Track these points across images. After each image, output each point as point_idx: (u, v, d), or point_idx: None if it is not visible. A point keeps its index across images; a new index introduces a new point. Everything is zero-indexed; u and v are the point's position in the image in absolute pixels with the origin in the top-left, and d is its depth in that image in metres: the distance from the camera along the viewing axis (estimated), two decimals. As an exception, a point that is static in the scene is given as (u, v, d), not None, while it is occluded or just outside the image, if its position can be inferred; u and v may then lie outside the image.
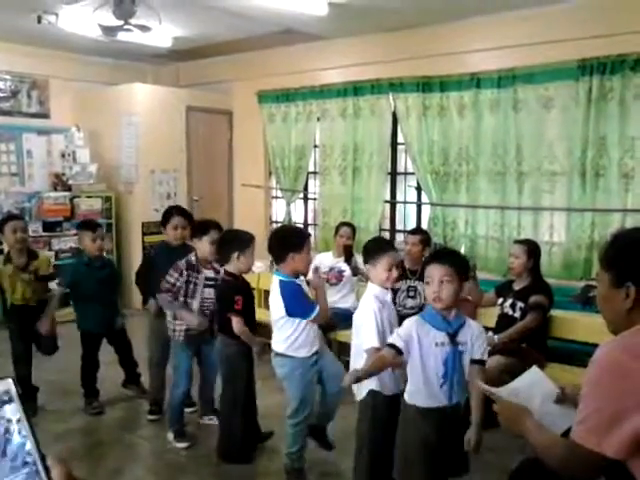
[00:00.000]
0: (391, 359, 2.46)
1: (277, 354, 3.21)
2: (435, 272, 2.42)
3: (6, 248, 4.23)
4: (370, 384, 2.82)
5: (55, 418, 4.09)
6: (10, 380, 0.77)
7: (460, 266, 2.47)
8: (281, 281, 3.11)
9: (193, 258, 3.67)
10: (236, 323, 3.32)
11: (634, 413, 1.47)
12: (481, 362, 2.46)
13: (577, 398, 1.69)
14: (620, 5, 4.68)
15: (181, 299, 3.63)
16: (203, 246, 3.64)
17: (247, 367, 3.48)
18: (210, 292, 3.64)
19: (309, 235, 3.34)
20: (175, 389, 3.77)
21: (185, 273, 3.61)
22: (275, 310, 3.15)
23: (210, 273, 3.67)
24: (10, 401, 0.75)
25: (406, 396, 2.53)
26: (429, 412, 2.46)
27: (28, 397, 4.07)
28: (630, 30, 4.58)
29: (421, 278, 3.35)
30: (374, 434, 2.84)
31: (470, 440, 2.38)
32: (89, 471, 3.41)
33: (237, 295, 3.34)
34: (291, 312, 3.10)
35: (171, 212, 4.08)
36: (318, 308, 3.10)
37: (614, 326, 1.67)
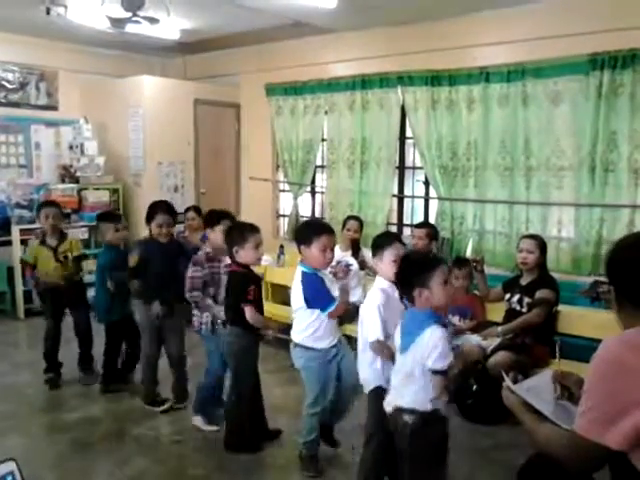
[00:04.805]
0: None
1: (296, 345, 3.24)
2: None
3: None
4: (377, 380, 2.84)
5: (61, 408, 4.14)
6: (14, 463, 0.77)
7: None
8: (303, 272, 3.15)
9: (208, 250, 3.70)
10: (249, 311, 3.33)
11: (636, 408, 1.50)
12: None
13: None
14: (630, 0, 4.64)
15: (211, 291, 3.69)
16: (216, 236, 3.66)
17: (255, 359, 3.50)
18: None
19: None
20: (208, 376, 3.85)
21: (206, 265, 3.67)
22: (295, 301, 3.19)
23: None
24: None
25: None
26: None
27: (52, 370, 4.58)
28: (642, 24, 4.55)
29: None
30: (380, 428, 2.83)
31: None
32: (94, 462, 3.44)
33: (249, 286, 3.36)
34: (310, 303, 3.12)
35: (155, 209, 3.99)
36: (337, 302, 3.11)
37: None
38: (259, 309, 3.41)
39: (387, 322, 2.80)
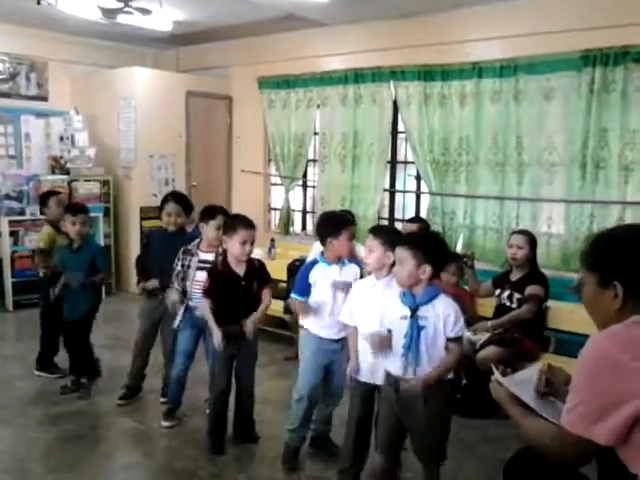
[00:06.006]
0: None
1: (302, 327, 3.36)
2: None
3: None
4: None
5: (49, 401, 4.11)
6: None
7: (417, 249, 2.55)
8: (312, 260, 3.31)
9: (194, 243, 3.70)
10: (202, 302, 3.43)
11: (623, 404, 1.50)
12: (455, 339, 2.56)
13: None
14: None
15: (182, 283, 3.69)
16: (209, 231, 3.65)
17: (228, 352, 3.43)
18: (203, 275, 3.61)
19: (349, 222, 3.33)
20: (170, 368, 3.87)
21: (182, 257, 3.71)
22: None
23: (208, 256, 3.66)
24: None
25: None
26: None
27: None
28: (634, 22, 4.55)
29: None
30: (355, 413, 3.03)
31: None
32: (83, 455, 3.42)
33: (209, 276, 3.42)
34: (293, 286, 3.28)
35: (167, 199, 4.06)
36: (306, 300, 3.21)
37: (604, 327, 1.68)
38: (222, 305, 3.38)
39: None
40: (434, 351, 2.54)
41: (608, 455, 1.58)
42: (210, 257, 3.66)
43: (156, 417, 3.88)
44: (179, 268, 3.71)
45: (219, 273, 3.41)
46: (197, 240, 3.75)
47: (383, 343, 2.62)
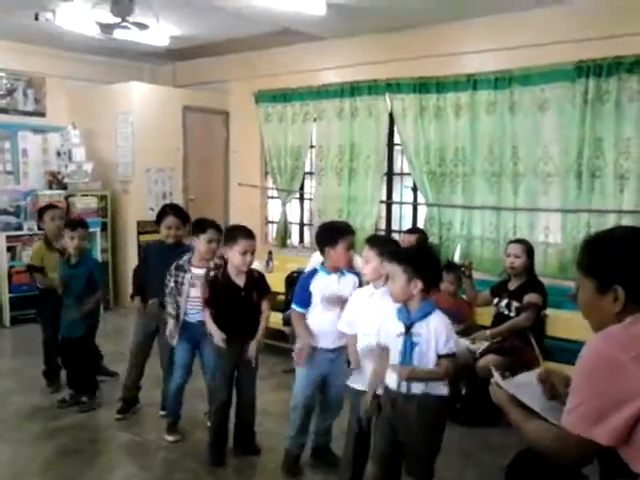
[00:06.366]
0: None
1: (298, 337, 3.35)
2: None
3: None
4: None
5: (46, 415, 4.09)
6: None
7: (407, 264, 2.54)
8: (312, 269, 3.31)
9: (185, 258, 3.68)
10: (205, 314, 3.41)
11: (624, 404, 1.51)
12: (446, 356, 2.52)
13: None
14: (617, 7, 4.70)
15: (175, 299, 3.65)
16: (201, 244, 3.63)
17: (230, 363, 3.43)
18: (197, 291, 3.61)
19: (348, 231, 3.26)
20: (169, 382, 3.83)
21: (174, 273, 3.66)
22: None
23: (200, 272, 3.63)
24: None
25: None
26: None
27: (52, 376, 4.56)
28: (627, 32, 4.61)
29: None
30: (354, 423, 3.03)
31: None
32: (81, 469, 3.39)
33: (209, 287, 3.41)
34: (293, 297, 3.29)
35: (165, 211, 4.05)
36: (306, 311, 3.21)
37: (601, 329, 1.67)
38: (224, 316, 3.38)
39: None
40: (426, 367, 2.53)
41: (609, 455, 1.58)
42: (201, 272, 3.62)
43: (155, 430, 3.86)
44: (172, 285, 3.65)
45: (219, 283, 3.40)
46: (188, 255, 3.71)
47: (381, 362, 2.62)
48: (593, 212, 4.92)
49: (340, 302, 3.12)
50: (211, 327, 3.37)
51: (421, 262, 2.57)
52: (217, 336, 3.33)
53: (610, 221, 4.83)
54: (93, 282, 4.18)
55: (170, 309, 3.67)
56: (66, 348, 4.22)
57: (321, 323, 3.20)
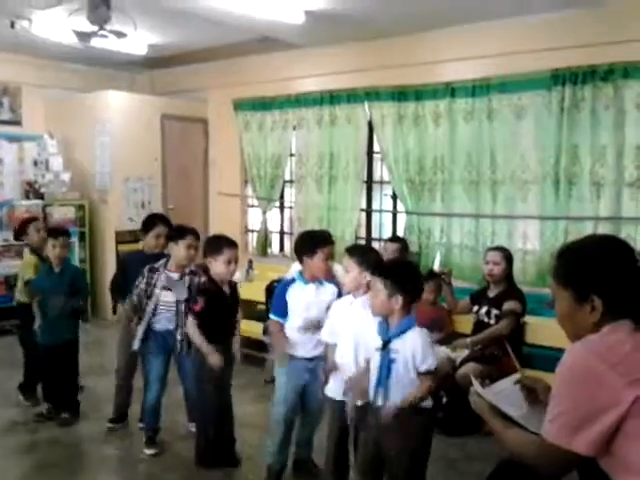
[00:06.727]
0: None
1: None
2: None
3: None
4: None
5: (24, 429, 4.02)
6: None
7: (389, 279, 2.53)
8: (290, 279, 3.28)
9: (161, 262, 3.66)
10: (189, 323, 3.37)
11: (603, 414, 1.51)
12: (426, 373, 2.51)
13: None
14: (591, 18, 4.76)
15: (144, 301, 3.62)
16: (180, 250, 3.61)
17: (219, 370, 3.38)
18: (167, 295, 3.60)
19: (327, 240, 3.24)
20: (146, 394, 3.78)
21: (147, 275, 3.63)
22: None
23: (174, 275, 3.62)
24: None
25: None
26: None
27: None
28: (600, 41, 4.67)
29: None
30: (333, 432, 3.06)
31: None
32: (61, 483, 3.34)
33: (199, 296, 3.37)
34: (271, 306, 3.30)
35: (154, 220, 4.04)
36: (284, 320, 3.19)
37: (578, 339, 1.67)
38: (212, 325, 3.35)
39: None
40: (403, 384, 2.51)
41: (589, 465, 1.58)
42: (174, 276, 3.62)
43: (135, 443, 3.81)
44: (142, 286, 3.62)
45: (214, 294, 3.39)
46: (164, 260, 3.69)
47: (362, 386, 2.62)
48: (571, 219, 4.96)
49: (317, 327, 3.10)
50: (205, 348, 3.31)
51: (403, 278, 2.56)
52: (214, 358, 3.28)
53: (587, 228, 4.87)
54: (74, 290, 4.13)
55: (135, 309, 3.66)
56: (50, 357, 4.12)
57: (298, 333, 3.18)
